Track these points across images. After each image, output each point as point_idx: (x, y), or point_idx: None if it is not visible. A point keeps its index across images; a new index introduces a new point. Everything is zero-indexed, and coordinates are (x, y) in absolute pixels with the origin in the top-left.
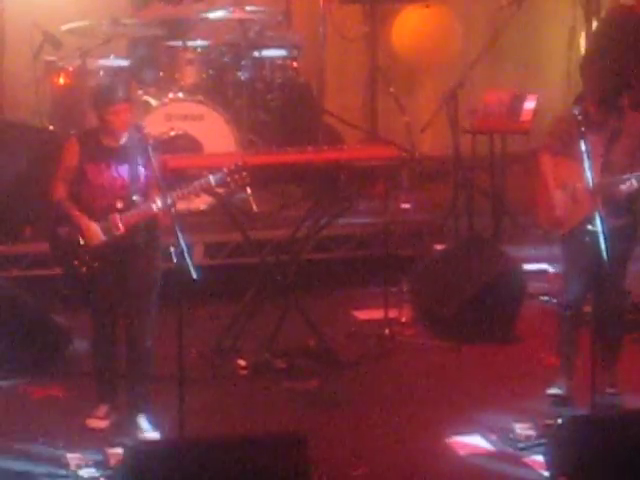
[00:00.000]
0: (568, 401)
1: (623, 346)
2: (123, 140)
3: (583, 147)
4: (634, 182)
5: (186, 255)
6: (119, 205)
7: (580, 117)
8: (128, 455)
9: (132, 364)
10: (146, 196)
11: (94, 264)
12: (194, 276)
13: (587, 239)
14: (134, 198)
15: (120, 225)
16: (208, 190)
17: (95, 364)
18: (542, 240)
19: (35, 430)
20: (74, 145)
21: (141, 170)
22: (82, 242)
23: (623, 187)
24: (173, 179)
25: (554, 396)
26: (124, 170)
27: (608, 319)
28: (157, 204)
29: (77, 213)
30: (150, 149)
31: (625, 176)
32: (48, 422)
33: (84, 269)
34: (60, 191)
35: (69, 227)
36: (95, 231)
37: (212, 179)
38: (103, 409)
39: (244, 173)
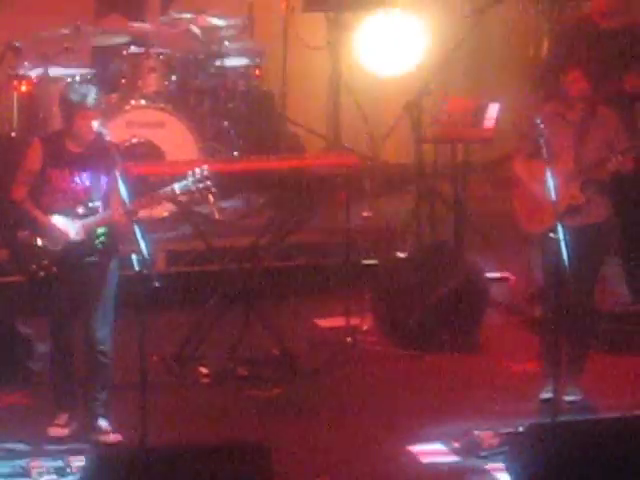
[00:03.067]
0: (559, 404)
1: (589, 353)
2: (87, 146)
3: (545, 155)
4: (619, 157)
5: (148, 262)
6: (80, 211)
7: (542, 121)
8: (90, 463)
9: (91, 371)
10: (107, 203)
11: (52, 268)
12: (156, 284)
13: (552, 245)
14: (95, 204)
15: (81, 231)
16: (172, 199)
17: (52, 372)
18: (504, 248)
19: None
20: (37, 148)
21: (103, 177)
22: (41, 245)
23: (610, 165)
24: (136, 186)
25: (546, 400)
26: (86, 176)
27: (575, 325)
28: (118, 211)
29: (40, 214)
30: (114, 156)
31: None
32: (10, 430)
33: (42, 273)
34: (21, 193)
35: (29, 230)
36: (60, 230)
37: (177, 187)
38: (63, 417)
39: (208, 182)
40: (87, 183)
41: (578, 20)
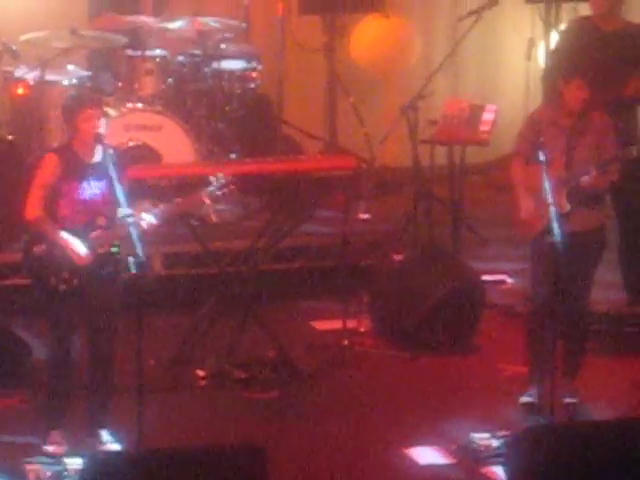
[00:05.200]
0: (541, 409)
1: (585, 355)
2: (99, 155)
3: (542, 157)
4: (593, 171)
5: (144, 265)
6: (101, 222)
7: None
8: (87, 466)
9: (97, 379)
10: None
11: (74, 281)
12: (152, 286)
13: (547, 248)
14: (114, 214)
15: (104, 242)
16: (199, 205)
17: (50, 386)
18: (501, 251)
19: None
20: (54, 161)
21: (118, 185)
22: (60, 258)
23: (584, 179)
24: (133, 190)
25: (527, 404)
26: (104, 186)
27: (571, 327)
28: (145, 220)
29: (60, 233)
30: (122, 163)
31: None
32: (7, 432)
33: (62, 286)
34: (37, 210)
35: (46, 245)
36: (82, 250)
37: (203, 194)
38: (58, 434)
39: (232, 186)
40: (105, 192)
41: (578, 23)
